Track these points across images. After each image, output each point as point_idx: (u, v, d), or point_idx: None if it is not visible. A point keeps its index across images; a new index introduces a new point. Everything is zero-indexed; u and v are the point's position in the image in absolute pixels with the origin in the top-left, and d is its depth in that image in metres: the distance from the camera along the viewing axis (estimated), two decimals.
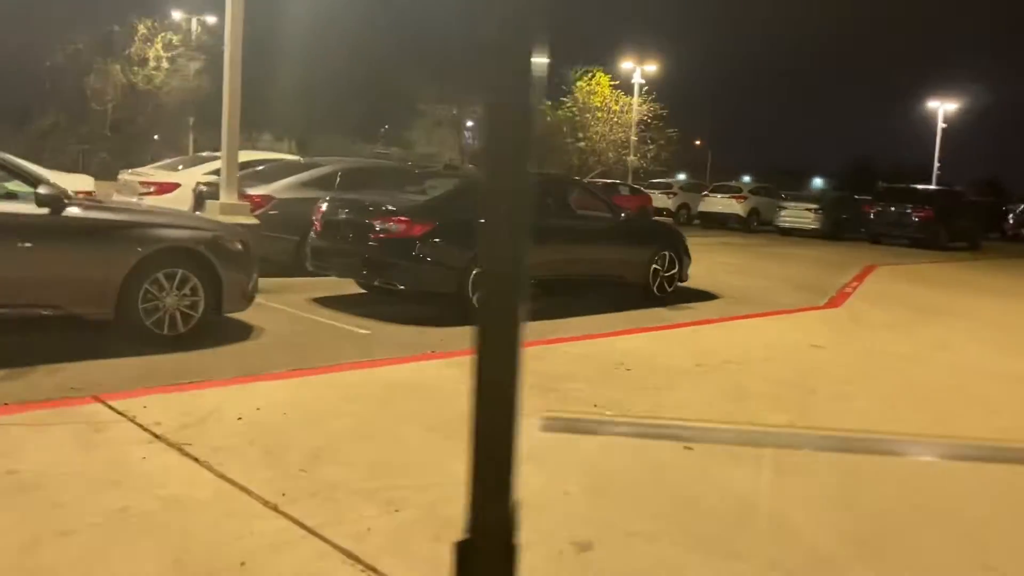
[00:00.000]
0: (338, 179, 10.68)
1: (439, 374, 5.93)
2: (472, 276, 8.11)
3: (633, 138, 44.67)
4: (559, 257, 9.04)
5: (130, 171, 12.74)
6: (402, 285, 7.93)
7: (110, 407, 4.65)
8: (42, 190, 5.68)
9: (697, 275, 11.49)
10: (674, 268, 10.40)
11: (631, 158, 44.46)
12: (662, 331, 8.27)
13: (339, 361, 6.13)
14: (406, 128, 40.93)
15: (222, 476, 3.79)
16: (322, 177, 10.62)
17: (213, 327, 6.66)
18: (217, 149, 14.40)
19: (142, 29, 37.75)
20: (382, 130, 40.88)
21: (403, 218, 7.91)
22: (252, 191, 10.22)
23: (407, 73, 37.21)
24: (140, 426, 4.38)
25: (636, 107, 44.27)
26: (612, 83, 44.58)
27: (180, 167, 12.76)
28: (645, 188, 32.30)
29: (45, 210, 5.73)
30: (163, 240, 6.27)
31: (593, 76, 44.35)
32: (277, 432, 4.44)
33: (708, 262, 15.17)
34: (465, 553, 1.36)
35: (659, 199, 31.10)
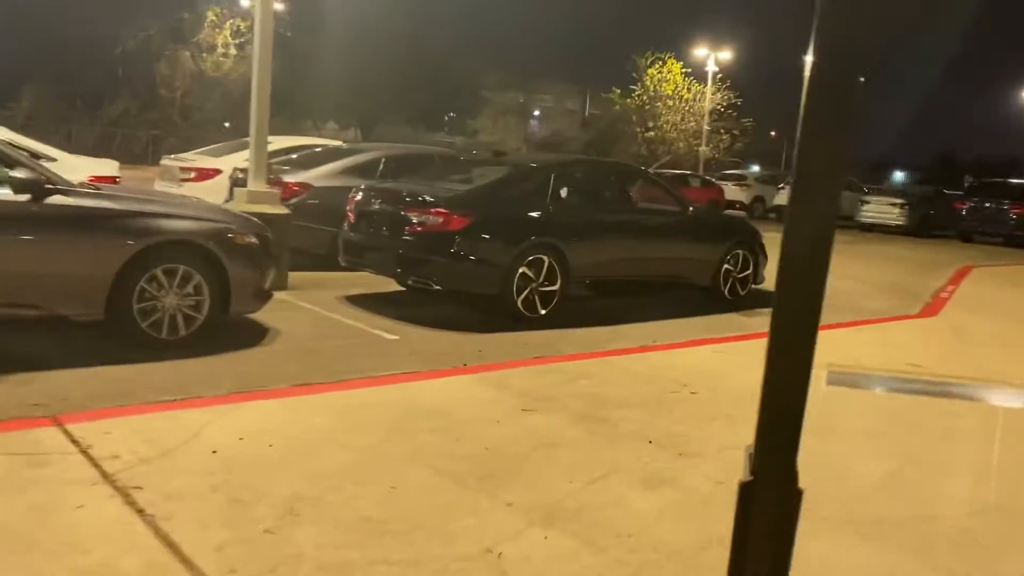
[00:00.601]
0: (381, 166, 9.89)
1: (467, 395, 5.05)
2: (518, 275, 7.23)
3: (706, 127, 43.13)
4: (617, 256, 8.08)
5: (172, 157, 12.19)
6: (438, 285, 7.08)
7: (66, 432, 3.90)
8: (19, 173, 4.98)
9: (773, 276, 10.35)
10: (748, 268, 9.32)
11: (703, 148, 42.95)
12: (733, 342, 7.24)
13: (355, 374, 5.31)
14: (472, 116, 40.18)
15: (164, 538, 2.98)
16: (364, 164, 9.84)
17: (224, 329, 5.92)
18: (278, 134, 13.83)
19: (211, 16, 37.72)
20: (447, 118, 40.23)
21: (440, 210, 7.05)
22: (288, 178, 9.51)
23: (473, 60, 36.52)
24: (91, 460, 3.61)
25: (709, 95, 42.72)
26: (684, 70, 43.09)
27: (224, 153, 12.15)
28: (717, 180, 30.87)
29: (25, 197, 5.04)
30: (162, 232, 5.53)
31: (665, 63, 42.90)
32: (254, 471, 3.63)
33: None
34: (749, 493, 1.49)
35: (732, 191, 29.66)
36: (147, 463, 3.63)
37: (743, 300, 9.27)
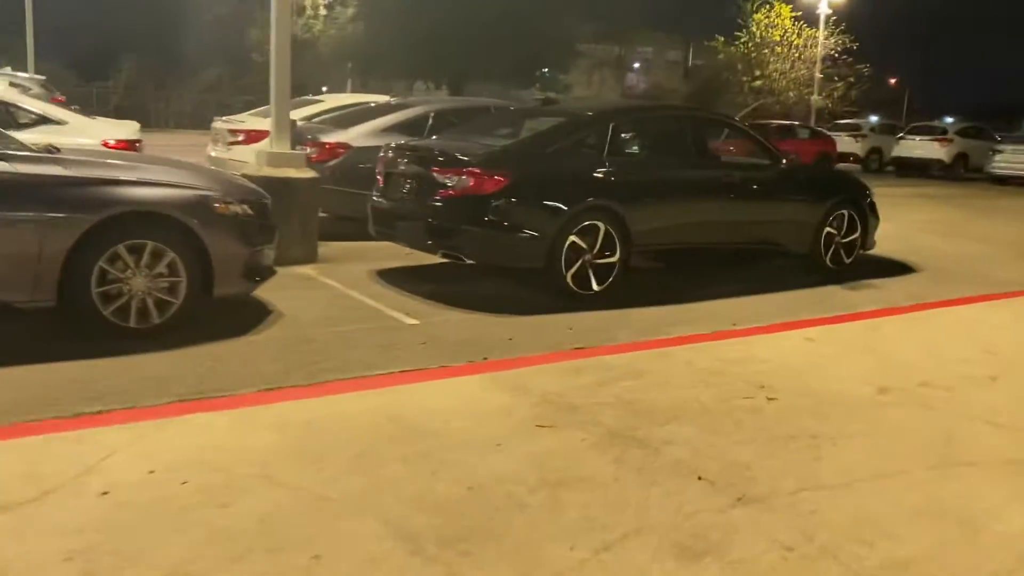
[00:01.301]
0: (430, 122, 8.84)
1: (471, 403, 4.00)
2: (567, 245, 6.10)
3: (818, 75, 40.25)
4: (691, 219, 6.82)
5: (223, 119, 11.48)
6: (471, 258, 6.02)
7: None
8: None
9: (886, 238, 8.85)
10: (855, 232, 7.88)
11: (814, 97, 40.10)
12: (831, 325, 5.92)
13: (341, 373, 4.34)
14: (564, 71, 38.58)
15: None
16: (410, 121, 8.82)
17: (213, 314, 5.07)
18: (358, 92, 12.96)
19: None
20: (540, 73, 38.74)
21: (471, 169, 5.97)
22: (326, 138, 8.61)
23: (567, 12, 34.77)
24: None
25: (822, 40, 39.78)
26: (794, 14, 40.25)
27: None
28: (829, 130, 28.54)
29: None
30: (122, 203, 4.65)
31: (772, 7, 40.15)
32: (139, 529, 2.69)
33: (902, 220, 12.31)
34: None
35: (845, 143, 27.30)
36: (7, 511, 2.75)
37: (848, 270, 7.86)
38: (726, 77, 42.36)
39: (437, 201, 6.10)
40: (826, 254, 7.72)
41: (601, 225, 6.25)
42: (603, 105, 7.40)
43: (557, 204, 6.09)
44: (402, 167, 6.51)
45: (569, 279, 6.18)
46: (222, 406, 3.79)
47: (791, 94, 41.35)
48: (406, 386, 4.19)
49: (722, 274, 7.55)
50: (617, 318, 5.89)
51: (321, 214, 8.60)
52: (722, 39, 41.74)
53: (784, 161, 7.39)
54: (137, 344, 4.59)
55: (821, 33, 39.55)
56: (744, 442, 3.65)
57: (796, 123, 27.43)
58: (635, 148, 7.08)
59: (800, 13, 40.52)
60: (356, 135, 8.51)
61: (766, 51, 40.24)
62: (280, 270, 6.81)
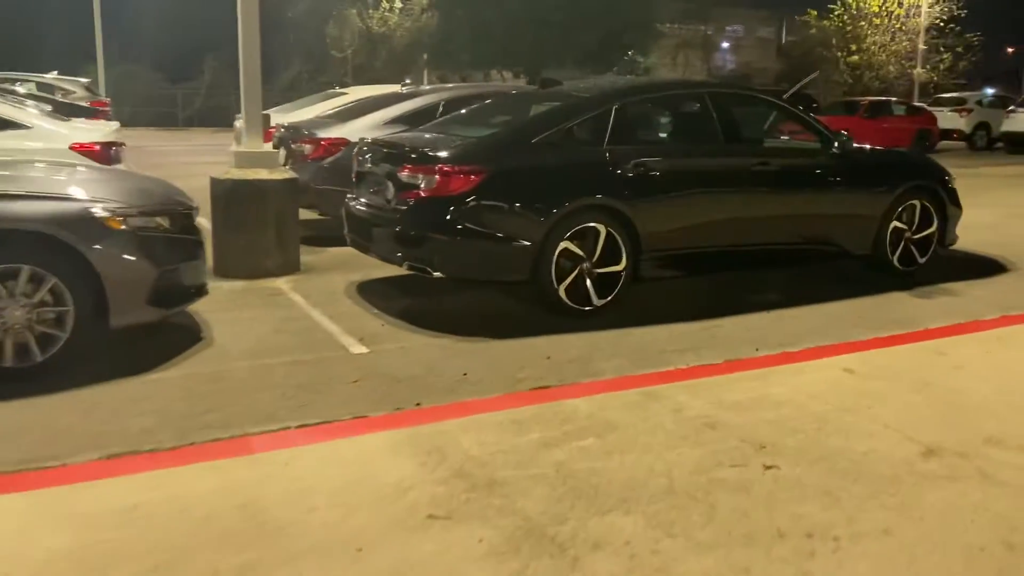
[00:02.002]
0: (440, 111, 7.92)
1: (359, 479, 3.06)
2: (558, 253, 5.11)
3: (921, 46, 37.46)
4: (716, 217, 5.70)
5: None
6: (439, 271, 5.08)
7: None
8: None
9: (978, 227, 7.50)
10: (930, 226, 6.58)
11: (917, 70, 37.37)
12: (880, 349, 4.72)
13: (225, 430, 3.48)
14: (646, 52, 37.01)
15: None
16: (417, 111, 7.91)
17: (132, 343, 4.33)
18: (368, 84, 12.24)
19: None
20: (626, 57, 37.31)
21: (439, 166, 5.02)
22: (322, 133, 7.81)
23: None
24: None
25: (925, 9, 36.97)
26: None
27: (297, 109, 10.69)
28: (930, 105, 26.25)
29: None
30: None
31: None
32: None
33: (1000, 205, 10.75)
34: None
35: (948, 118, 24.98)
36: None
37: (922, 271, 6.57)
38: (820, 53, 39.88)
39: (402, 204, 5.19)
40: (893, 254, 6.45)
41: (601, 228, 5.22)
42: (605, 85, 6.25)
43: (544, 204, 5.08)
44: (372, 165, 5.63)
45: (562, 293, 5.18)
46: (33, 483, 2.99)
47: (891, 68, 38.63)
48: (290, 450, 3.30)
49: (759, 282, 6.37)
50: (613, 341, 4.85)
51: (321, 216, 7.87)
52: (814, 13, 39.34)
53: (837, 143, 6.14)
54: (9, 388, 3.86)
55: (925, 1, 36.78)
56: (707, 546, 2.61)
57: (892, 99, 25.25)
58: (645, 134, 5.99)
59: None
60: (357, 128, 7.66)
61: (863, 23, 37.66)
62: (248, 284, 6.12)
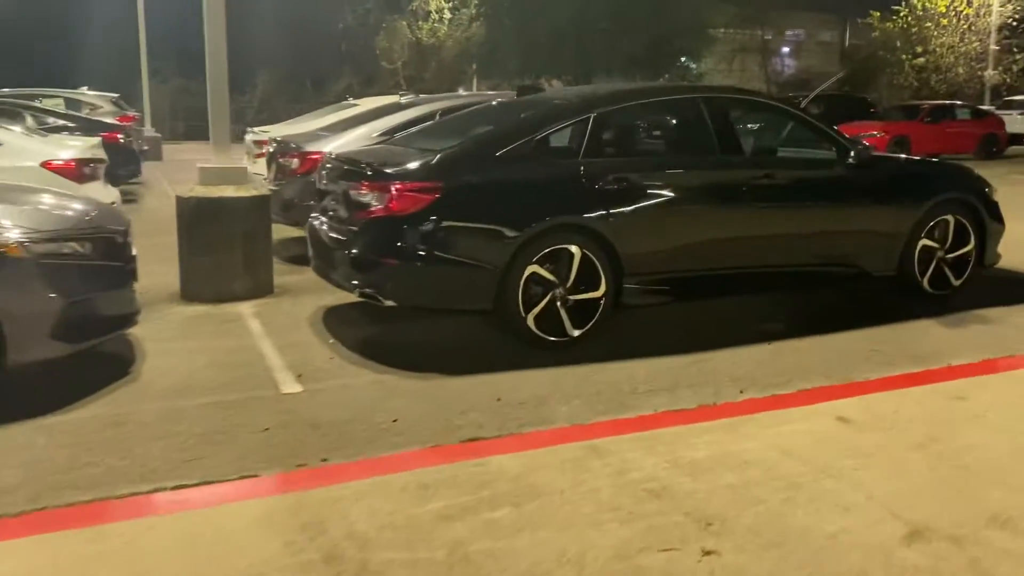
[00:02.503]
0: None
1: (200, 567, 2.58)
2: (525, 278, 4.58)
3: (992, 47, 35.74)
4: (713, 235, 5.10)
5: (256, 130, 10.59)
6: (391, 299, 4.59)
7: None
8: None
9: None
10: (966, 244, 5.85)
11: (989, 72, 35.67)
12: (886, 392, 4.06)
13: (81, 491, 3.04)
14: (698, 58, 36.06)
15: None
16: (411, 123, 7.45)
17: (50, 376, 3.95)
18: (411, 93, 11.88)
19: None
20: (680, 63, 36.43)
21: (393, 183, 4.54)
22: (311, 147, 7.41)
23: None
24: None
25: (997, 8, 35.29)
26: None
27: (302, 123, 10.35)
28: (999, 109, 24.87)
29: None
30: None
31: None
32: None
33: None
34: None
35: (1018, 122, 23.57)
36: None
37: (959, 295, 5.84)
38: (883, 56, 38.41)
39: (354, 225, 4.72)
40: (923, 275, 5.74)
41: (575, 250, 4.67)
42: (585, 92, 5.68)
43: (509, 224, 4.55)
44: (331, 183, 5.18)
45: (531, 323, 4.64)
46: None
47: (960, 70, 36.97)
48: (145, 520, 2.83)
49: (766, 308, 5.72)
50: (580, 379, 4.29)
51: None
52: (877, 14, 37.91)
53: (853, 152, 5.46)
54: None
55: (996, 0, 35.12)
56: None
57: (955, 103, 23.95)
58: (628, 145, 5.40)
59: None
60: (344, 143, 7.23)
61: (929, 24, 36.13)
62: (210, 309, 5.73)
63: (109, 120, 13.29)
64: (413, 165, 4.64)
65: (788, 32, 50.44)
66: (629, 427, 3.62)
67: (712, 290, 5.20)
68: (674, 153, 5.44)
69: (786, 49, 50.86)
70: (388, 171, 4.63)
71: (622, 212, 4.81)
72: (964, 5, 36.19)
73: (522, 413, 3.83)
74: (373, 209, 4.58)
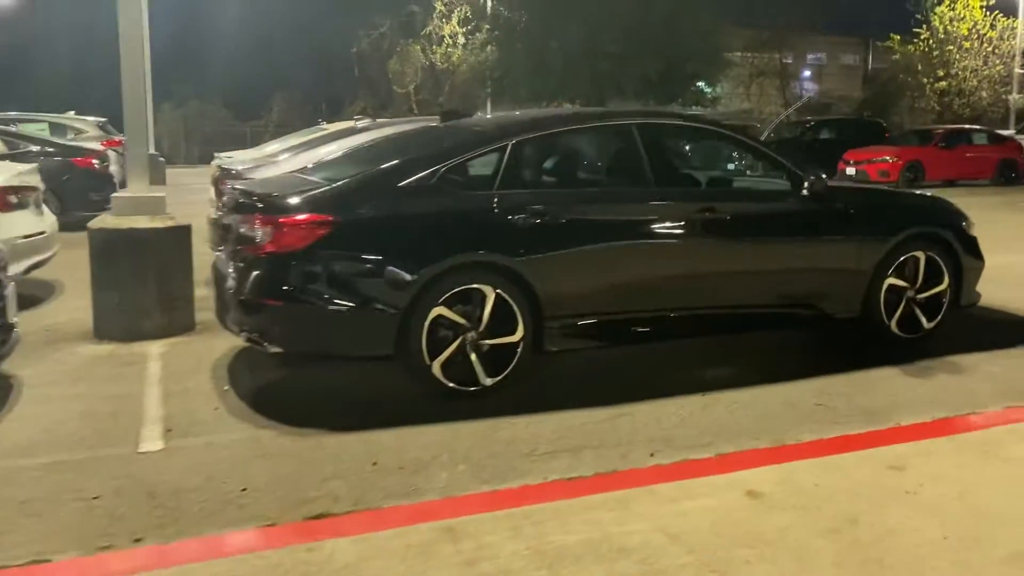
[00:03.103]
0: None
1: None
2: (429, 321, 4.15)
3: (1018, 70, 34.98)
4: (648, 274, 4.64)
5: (223, 155, 10.26)
6: (276, 344, 4.18)
7: None
8: None
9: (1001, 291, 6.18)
10: (939, 282, 5.32)
11: (1014, 96, 34.87)
12: (813, 460, 3.55)
13: None
14: (713, 82, 35.59)
15: None
16: (363, 150, 7.06)
17: None
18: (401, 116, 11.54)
19: (439, 6, 36.94)
20: (696, 87, 35.95)
21: (279, 217, 4.13)
22: (252, 174, 7.04)
23: (717, 18, 32.02)
24: None
25: (1021, 32, 34.58)
26: (985, 3, 35.28)
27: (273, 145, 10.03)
28: (1019, 133, 24.13)
29: None
30: None
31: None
32: None
33: None
34: None
35: None
36: None
37: (927, 338, 5.32)
38: (903, 80, 37.72)
39: (242, 262, 4.31)
40: (890, 317, 5.22)
41: (488, 290, 4.23)
42: (504, 118, 5.23)
43: (410, 262, 4.13)
44: (228, 215, 4.78)
45: (438, 370, 4.20)
46: None
47: (984, 94, 36.22)
48: None
49: (715, 353, 5.22)
50: (477, 438, 3.83)
51: None
52: (898, 37, 37.29)
53: (807, 183, 4.97)
54: None
55: (1021, 22, 34.39)
56: None
57: (972, 127, 23.25)
58: (550, 176, 4.95)
59: (993, 1, 35.51)
60: (286, 169, 6.86)
61: (951, 47, 35.43)
62: (115, 349, 5.37)
63: (91, 145, 13.08)
64: (303, 198, 4.22)
65: (810, 55, 49.93)
66: (505, 501, 3.16)
67: (646, 334, 4.72)
68: (602, 184, 4.99)
69: (807, 73, 50.31)
70: (276, 204, 4.22)
71: (541, 249, 4.36)
72: (988, 28, 35.51)
73: (392, 482, 3.37)
74: (260, 245, 4.17)
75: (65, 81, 34.98)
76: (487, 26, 33.55)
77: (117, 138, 14.42)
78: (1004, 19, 35.42)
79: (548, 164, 4.99)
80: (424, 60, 37.87)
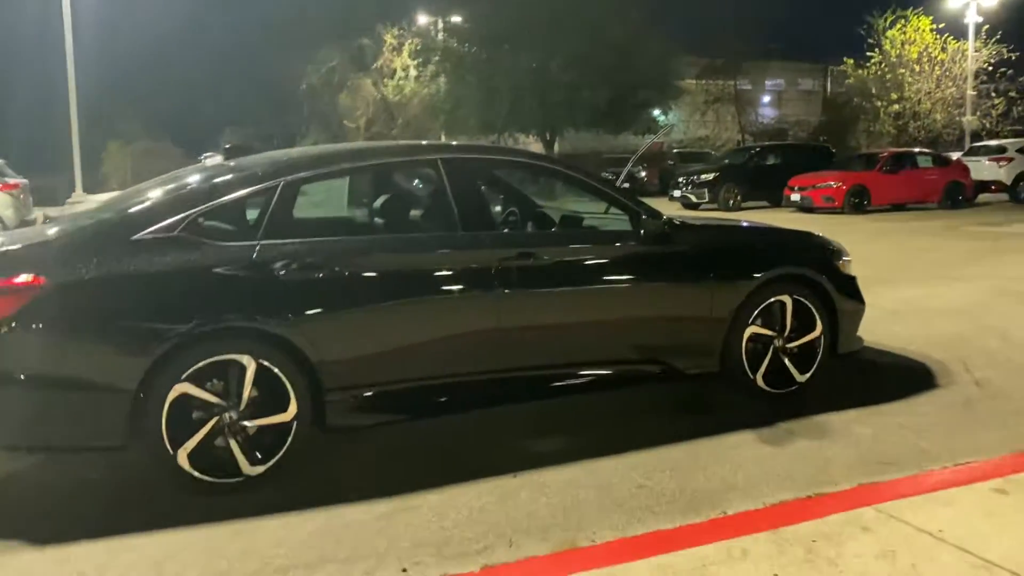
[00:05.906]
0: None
1: None
2: (168, 405, 3.43)
3: (970, 92, 35.01)
4: (456, 331, 3.96)
5: (75, 195, 9.53)
6: None
7: None
8: None
9: (947, 312, 5.55)
10: (812, 330, 4.68)
11: (967, 118, 34.89)
12: (596, 571, 2.86)
13: None
14: (666, 110, 35.32)
15: None
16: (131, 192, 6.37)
17: None
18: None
19: (389, 39, 36.56)
20: (654, 115, 35.59)
21: None
22: None
23: (667, 45, 31.76)
24: None
25: (972, 54, 34.63)
26: (935, 26, 35.35)
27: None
28: (965, 155, 23.85)
29: None
30: None
31: (908, 22, 35.45)
32: None
33: (992, 278, 8.72)
34: None
35: (986, 169, 22.49)
36: None
37: (798, 393, 4.66)
38: (859, 103, 37.68)
39: None
40: (755, 370, 4.57)
41: (246, 361, 3.53)
42: (277, 156, 4.53)
43: (144, 332, 3.43)
44: None
45: (184, 461, 3.48)
46: None
47: (938, 116, 36.16)
48: None
49: (550, 416, 4.53)
50: (204, 549, 3.10)
51: None
52: (851, 62, 37.29)
53: (644, 220, 4.32)
54: None
55: (971, 45, 34.44)
56: None
57: (915, 150, 22.92)
58: (328, 223, 4.30)
59: (943, 25, 35.59)
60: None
61: (903, 71, 35.39)
62: None
63: None
64: (9, 255, 3.52)
65: (768, 81, 50.03)
66: None
67: (450, 404, 4.02)
68: (396, 230, 4.30)
69: (766, 98, 50.42)
70: None
71: (315, 308, 3.68)
72: (939, 51, 35.54)
73: None
74: None
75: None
76: (436, 58, 33.14)
77: (14, 181, 13.69)
78: (955, 41, 35.49)
79: (329, 208, 4.32)
80: (376, 93, 37.41)
